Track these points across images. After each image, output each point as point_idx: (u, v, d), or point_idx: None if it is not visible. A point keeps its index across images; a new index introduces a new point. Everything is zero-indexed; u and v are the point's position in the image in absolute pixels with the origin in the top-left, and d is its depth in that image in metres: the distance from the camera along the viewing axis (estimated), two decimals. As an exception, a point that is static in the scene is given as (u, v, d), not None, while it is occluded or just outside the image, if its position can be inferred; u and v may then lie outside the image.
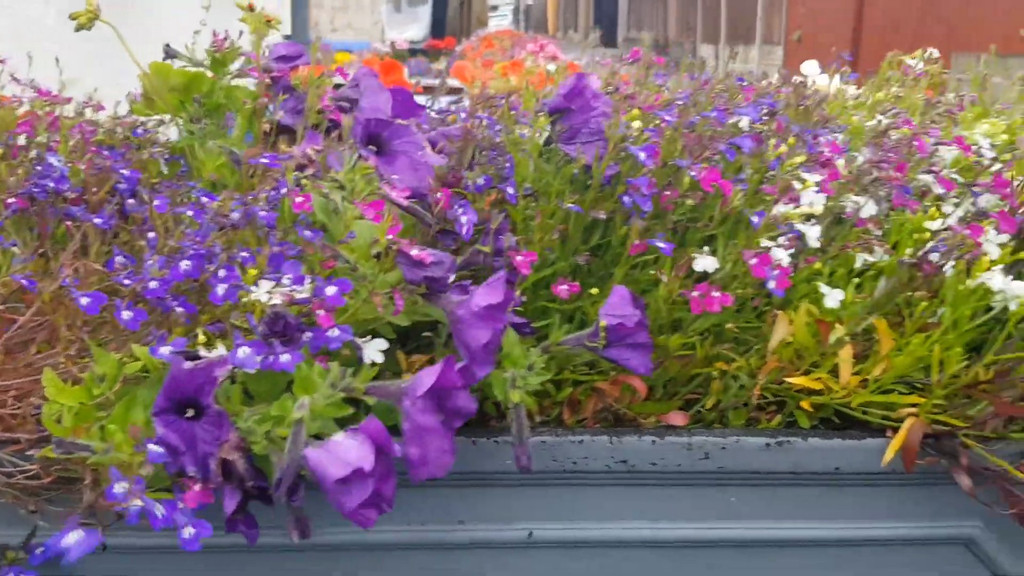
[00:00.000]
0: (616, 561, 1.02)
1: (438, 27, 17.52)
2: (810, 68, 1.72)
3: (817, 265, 1.00)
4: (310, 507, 0.92)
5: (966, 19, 13.10)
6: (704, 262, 1.00)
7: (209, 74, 1.34)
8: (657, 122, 1.07)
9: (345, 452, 0.78)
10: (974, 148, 1.11)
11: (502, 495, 1.00)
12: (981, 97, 1.52)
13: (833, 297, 0.97)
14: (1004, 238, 0.95)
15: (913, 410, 0.97)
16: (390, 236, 0.85)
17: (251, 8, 1.27)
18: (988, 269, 0.91)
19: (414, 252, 0.85)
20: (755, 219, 1.02)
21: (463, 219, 0.94)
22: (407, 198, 0.91)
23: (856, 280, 1.00)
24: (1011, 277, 0.93)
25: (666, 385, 1.06)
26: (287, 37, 6.09)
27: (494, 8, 48.16)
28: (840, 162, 1.07)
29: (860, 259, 1.02)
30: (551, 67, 3.39)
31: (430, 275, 0.88)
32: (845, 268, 1.03)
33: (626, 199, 1.01)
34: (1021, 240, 0.99)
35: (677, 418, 1.01)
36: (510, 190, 1.03)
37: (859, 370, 1.00)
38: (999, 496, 0.99)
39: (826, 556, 1.04)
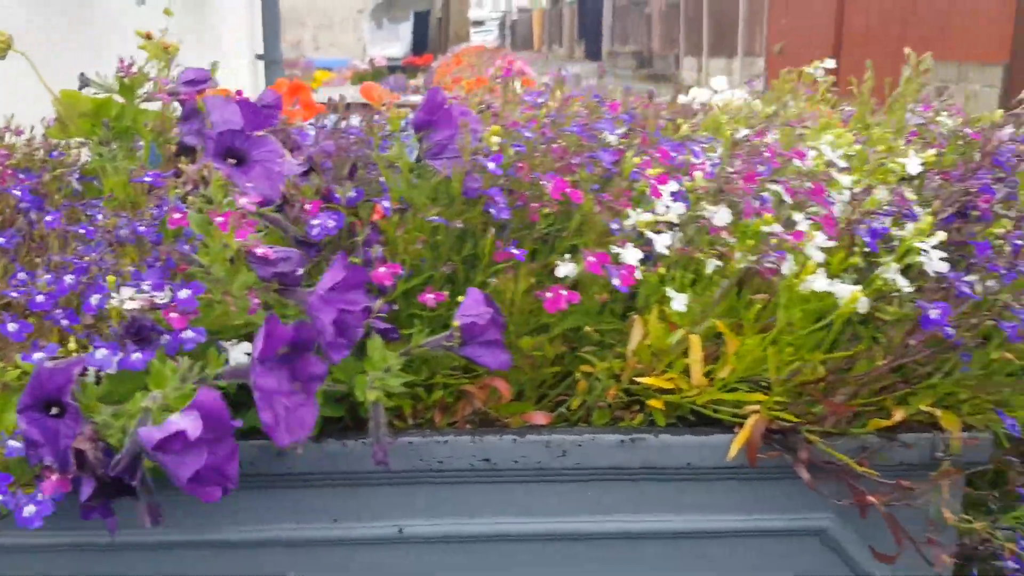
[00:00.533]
0: (482, 555, 1.08)
1: (419, 44, 17.66)
2: (718, 83, 1.78)
3: (662, 270, 1.05)
4: (191, 508, 0.98)
5: (947, 29, 13.24)
6: (565, 268, 1.06)
7: (119, 99, 1.39)
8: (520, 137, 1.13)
9: (173, 423, 0.83)
10: (819, 158, 1.16)
11: (372, 494, 1.05)
12: (862, 108, 1.57)
13: (678, 301, 1.03)
14: (829, 243, 1.01)
15: (757, 407, 1.02)
16: (240, 240, 0.91)
17: (149, 37, 1.33)
18: (812, 272, 0.97)
19: (259, 251, 0.92)
20: (614, 226, 1.08)
21: (315, 223, 1.00)
22: (259, 204, 0.96)
23: (698, 284, 1.06)
24: (850, 281, 0.99)
25: (538, 387, 1.11)
26: (259, 56, 6.15)
27: (479, 24, 48.36)
28: (699, 173, 1.13)
29: (712, 265, 1.07)
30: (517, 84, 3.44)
31: (279, 271, 0.94)
32: (697, 273, 1.08)
33: (492, 210, 1.07)
34: (858, 247, 1.05)
35: (539, 417, 1.07)
36: (385, 204, 1.09)
37: (710, 370, 1.05)
38: (846, 489, 1.05)
39: (684, 548, 1.09)
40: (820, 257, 0.99)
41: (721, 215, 1.09)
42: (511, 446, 1.03)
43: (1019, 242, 1.06)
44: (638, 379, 1.05)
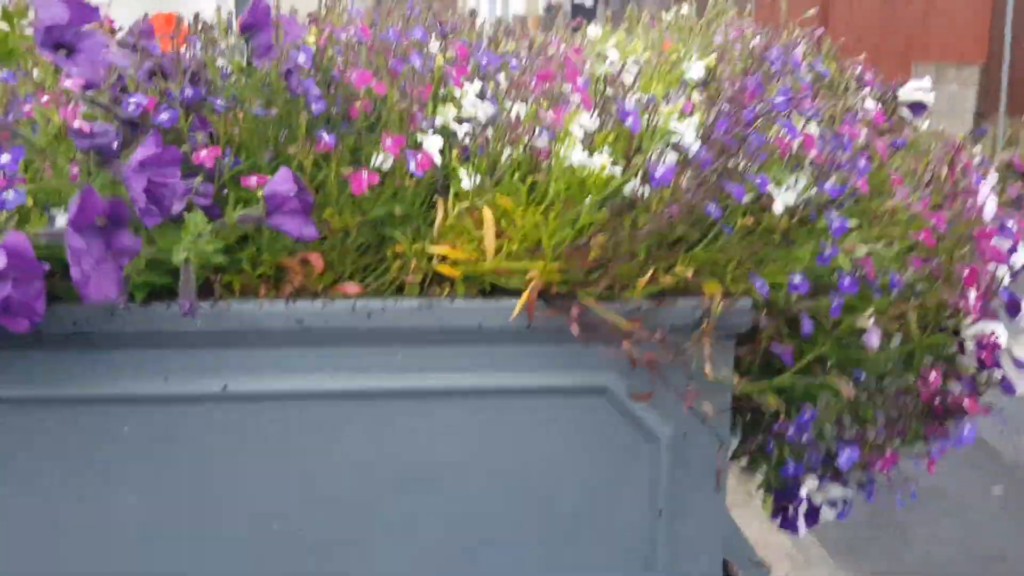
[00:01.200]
0: (299, 410, 1.20)
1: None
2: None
3: (454, 158, 1.18)
4: (32, 366, 1.12)
5: (925, 30, 13.40)
6: (382, 158, 1.18)
7: (3, 26, 1.52)
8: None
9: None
10: (600, 60, 1.29)
11: (200, 354, 1.18)
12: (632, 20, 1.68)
13: (466, 180, 1.15)
14: (593, 123, 1.14)
15: (536, 274, 1.15)
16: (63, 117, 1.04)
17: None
18: (572, 147, 1.10)
19: (76, 124, 1.04)
20: (424, 123, 1.21)
21: (131, 101, 1.12)
22: (84, 87, 1.09)
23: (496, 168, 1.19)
24: (606, 155, 1.11)
25: (355, 265, 1.24)
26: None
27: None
28: (502, 75, 1.26)
29: (506, 153, 1.20)
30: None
31: (96, 143, 1.07)
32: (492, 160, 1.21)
33: (313, 107, 1.20)
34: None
35: (350, 288, 1.19)
36: (217, 101, 1.22)
37: (501, 245, 1.18)
38: (625, 350, 1.17)
39: (479, 404, 1.21)
40: (580, 133, 1.12)
41: (516, 109, 1.22)
42: (320, 310, 1.16)
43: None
44: (433, 248, 1.17)
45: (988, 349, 1.21)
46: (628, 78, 1.26)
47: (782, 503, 1.32)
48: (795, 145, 1.15)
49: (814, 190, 1.13)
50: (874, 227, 1.19)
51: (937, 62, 13.14)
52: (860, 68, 1.51)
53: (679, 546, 1.24)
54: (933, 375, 1.20)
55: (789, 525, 1.31)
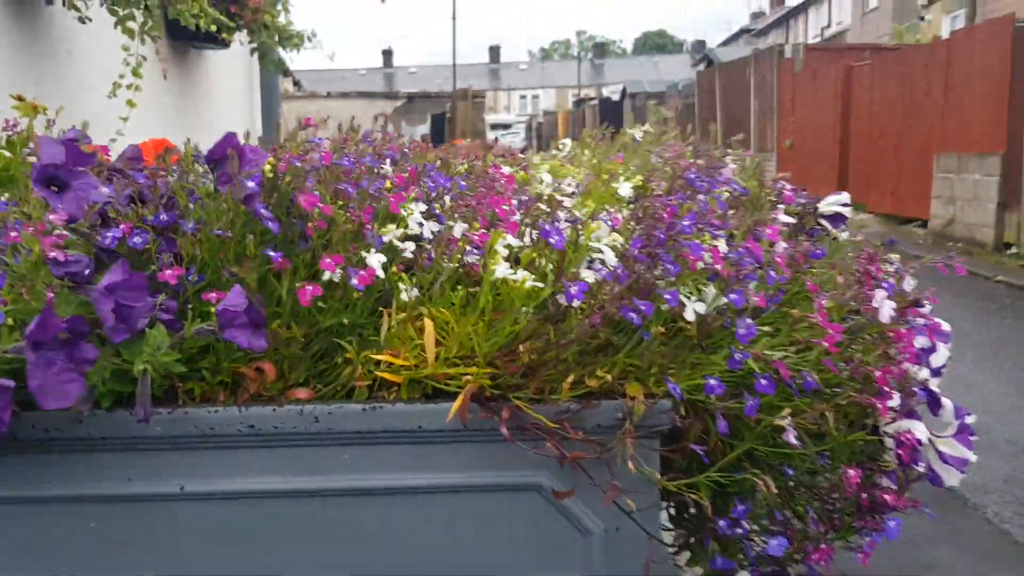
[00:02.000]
0: (252, 509, 1.29)
1: (436, 141, 18.32)
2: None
3: (393, 270, 1.29)
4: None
5: (946, 123, 13.55)
6: (328, 273, 1.29)
7: (7, 153, 1.67)
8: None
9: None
10: (539, 183, 1.40)
11: (160, 457, 1.28)
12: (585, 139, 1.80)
13: (406, 292, 1.26)
14: (517, 242, 1.24)
15: (470, 378, 1.24)
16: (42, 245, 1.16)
17: (20, 99, 1.61)
18: (496, 263, 1.20)
19: (52, 254, 1.16)
20: (372, 239, 1.32)
21: (108, 235, 1.24)
22: (67, 221, 1.21)
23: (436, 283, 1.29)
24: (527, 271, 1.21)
25: (308, 372, 1.33)
26: (259, 139, 6.57)
27: (506, 127, 49.71)
28: (447, 197, 1.37)
29: (445, 267, 1.30)
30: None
31: (70, 271, 1.18)
32: (433, 275, 1.31)
33: (270, 226, 1.31)
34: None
35: (301, 393, 1.29)
36: (189, 225, 1.34)
37: (440, 352, 1.27)
38: (554, 449, 1.25)
39: (421, 502, 1.29)
40: (503, 251, 1.22)
41: (457, 228, 1.33)
42: (271, 414, 1.25)
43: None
44: (375, 355, 1.27)
45: (906, 447, 1.28)
46: (565, 199, 1.37)
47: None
48: (706, 258, 1.24)
49: (723, 300, 1.22)
50: (785, 334, 1.27)
51: (959, 153, 13.24)
52: (780, 185, 1.61)
53: (618, 638, 1.30)
54: (852, 473, 1.27)
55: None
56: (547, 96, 61.03)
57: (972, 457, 1.36)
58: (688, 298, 1.22)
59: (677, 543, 1.37)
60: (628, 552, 1.28)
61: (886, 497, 1.28)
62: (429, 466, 1.28)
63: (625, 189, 1.39)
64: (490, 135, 49.44)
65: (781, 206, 1.56)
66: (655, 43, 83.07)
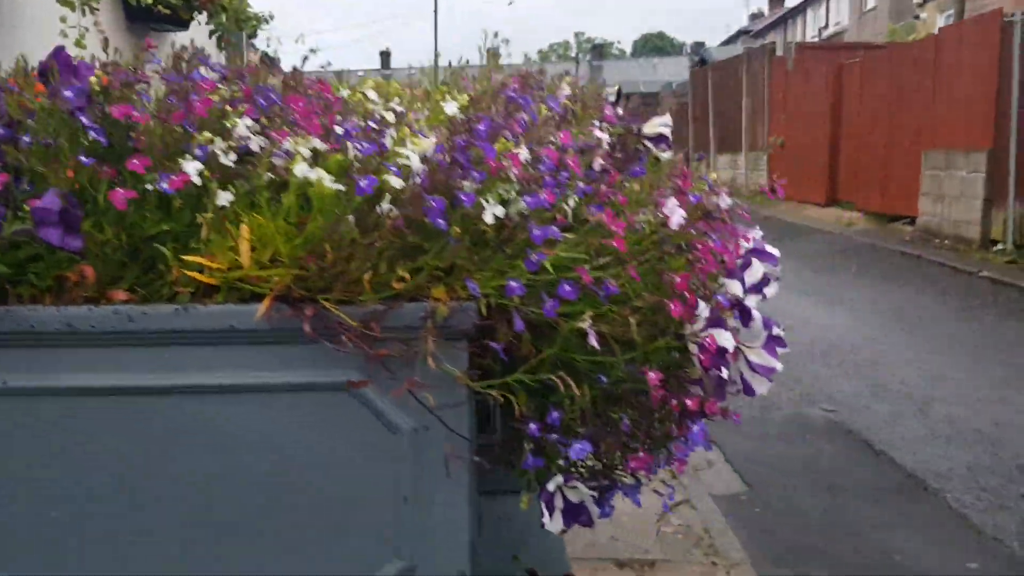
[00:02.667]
0: (72, 404, 1.33)
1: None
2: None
3: (207, 175, 1.33)
4: None
5: (933, 118, 13.57)
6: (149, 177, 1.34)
7: None
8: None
9: None
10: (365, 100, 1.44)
11: (-16, 353, 1.32)
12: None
13: (223, 198, 1.30)
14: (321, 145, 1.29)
15: (278, 280, 1.28)
16: None
17: None
18: (297, 164, 1.24)
19: None
20: (196, 150, 1.36)
21: None
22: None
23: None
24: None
25: (129, 274, 1.37)
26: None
27: (505, 128, 49.64)
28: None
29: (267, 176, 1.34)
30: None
31: None
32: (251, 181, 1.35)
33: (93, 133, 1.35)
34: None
35: (120, 295, 1.33)
36: (25, 137, 1.38)
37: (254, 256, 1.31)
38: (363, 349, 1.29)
39: (237, 400, 1.33)
40: (307, 154, 1.26)
41: (255, 142, 1.36)
42: (87, 314, 1.30)
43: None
44: (185, 256, 1.31)
45: (708, 352, 1.31)
46: (387, 113, 1.41)
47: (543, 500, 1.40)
48: (507, 166, 1.28)
49: (522, 204, 1.26)
50: (581, 235, 1.30)
51: (946, 149, 13.27)
52: (607, 107, 1.65)
53: (425, 533, 1.33)
54: (652, 375, 1.30)
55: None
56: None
57: (779, 366, 1.40)
58: (487, 202, 1.26)
59: (489, 443, 1.40)
60: (435, 449, 1.32)
61: (687, 402, 1.32)
62: (242, 366, 1.32)
63: (451, 108, 1.44)
64: (488, 135, 49.50)
65: (599, 123, 1.59)
66: (655, 45, 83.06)
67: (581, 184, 1.30)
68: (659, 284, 1.31)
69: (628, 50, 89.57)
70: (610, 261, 1.29)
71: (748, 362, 1.38)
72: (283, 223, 1.27)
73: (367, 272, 1.26)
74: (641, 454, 1.36)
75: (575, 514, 1.40)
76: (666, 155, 1.60)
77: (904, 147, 14.30)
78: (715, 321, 1.33)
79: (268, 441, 1.33)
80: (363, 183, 1.22)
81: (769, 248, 1.52)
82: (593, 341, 1.26)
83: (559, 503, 1.38)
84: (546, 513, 1.35)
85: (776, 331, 1.40)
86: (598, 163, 1.35)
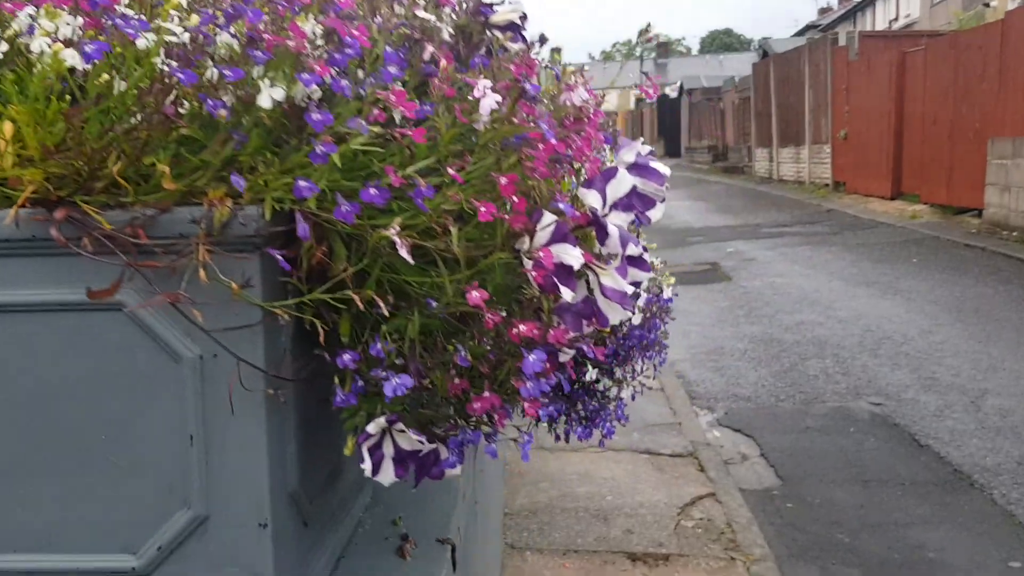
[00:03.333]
0: None
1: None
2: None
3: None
4: None
5: (1000, 106, 13.04)
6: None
7: None
8: None
9: None
10: None
11: None
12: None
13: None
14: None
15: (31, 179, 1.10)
16: None
17: None
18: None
19: None
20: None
21: None
22: None
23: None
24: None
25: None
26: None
27: (568, 128, 49.24)
28: None
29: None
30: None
31: None
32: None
33: None
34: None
35: None
36: None
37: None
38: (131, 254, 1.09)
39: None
40: (51, 28, 1.08)
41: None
42: None
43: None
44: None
45: (542, 269, 1.09)
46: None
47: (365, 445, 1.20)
48: (291, 44, 1.07)
49: (301, 85, 1.05)
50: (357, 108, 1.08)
51: (1014, 137, 12.72)
52: None
53: (218, 480, 1.13)
54: (475, 294, 1.08)
55: (377, 471, 1.19)
56: (609, 97, 60.51)
57: (629, 289, 1.17)
58: (266, 83, 1.06)
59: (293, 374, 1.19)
60: (225, 379, 1.12)
61: (522, 327, 1.10)
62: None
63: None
64: (551, 135, 49.16)
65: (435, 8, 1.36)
66: (722, 42, 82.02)
67: (392, 70, 1.09)
68: (495, 191, 1.09)
69: (696, 48, 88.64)
70: (434, 163, 1.08)
71: (602, 288, 1.16)
72: (30, 109, 1.08)
73: (118, 164, 1.06)
74: (486, 394, 1.15)
75: (422, 466, 1.19)
76: (517, 46, 1.38)
77: (969, 137, 13.75)
78: (561, 236, 1.11)
79: (31, 368, 1.14)
80: (90, 48, 1.03)
81: (656, 165, 1.29)
82: (404, 253, 1.05)
83: (389, 450, 1.18)
84: (367, 460, 1.15)
85: (634, 251, 1.17)
86: (428, 52, 1.14)
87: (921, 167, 15.24)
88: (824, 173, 19.44)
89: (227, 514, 1.13)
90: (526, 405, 1.16)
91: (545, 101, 1.22)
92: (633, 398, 2.03)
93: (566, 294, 1.09)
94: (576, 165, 1.19)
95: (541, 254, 1.07)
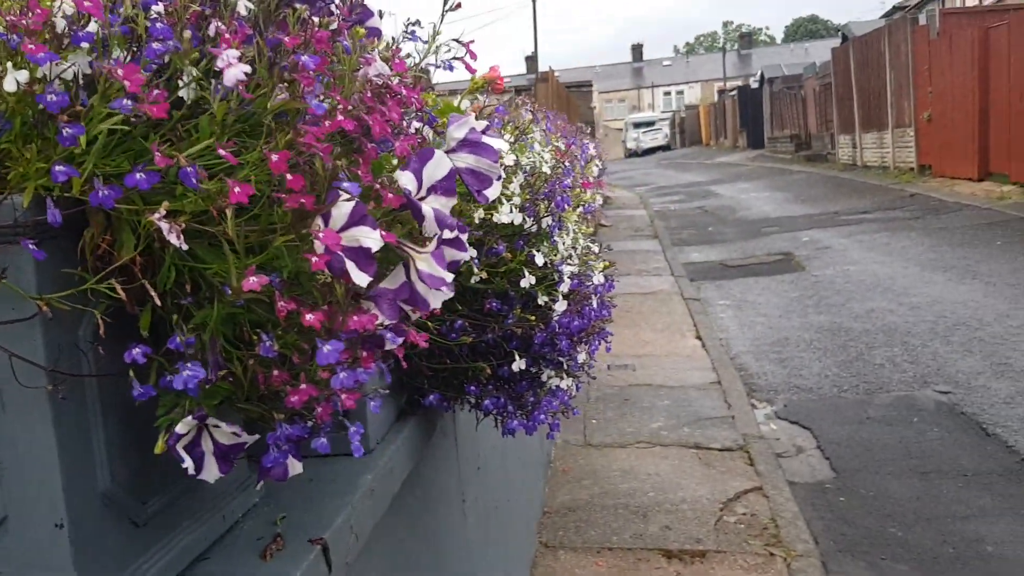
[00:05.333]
0: None
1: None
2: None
3: None
4: None
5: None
6: None
7: None
8: None
9: None
10: None
11: None
12: None
13: None
14: None
15: None
16: None
17: None
18: None
19: None
20: None
21: None
22: None
23: None
24: None
25: None
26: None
27: (650, 124, 48.98)
28: None
29: None
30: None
31: None
32: None
33: None
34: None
35: None
36: None
37: None
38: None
39: None
40: None
41: None
42: None
43: None
44: None
45: (325, 253, 1.00)
46: None
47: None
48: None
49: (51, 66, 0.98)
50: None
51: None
52: None
53: (11, 478, 1.07)
54: (251, 281, 1.00)
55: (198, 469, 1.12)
56: (692, 91, 59.82)
57: (447, 276, 1.08)
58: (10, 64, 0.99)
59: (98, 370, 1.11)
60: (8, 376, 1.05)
61: (309, 316, 1.02)
62: None
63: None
64: (631, 134, 49.00)
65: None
66: (807, 29, 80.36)
67: (157, 46, 1.01)
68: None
69: (780, 36, 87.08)
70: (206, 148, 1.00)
71: (419, 274, 1.07)
72: None
73: None
74: (303, 386, 1.07)
75: (266, 466, 1.12)
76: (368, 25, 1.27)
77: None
78: (359, 218, 1.03)
79: None
80: None
81: (490, 141, 1.19)
82: (173, 239, 0.98)
83: (208, 446, 1.11)
84: (187, 459, 1.08)
85: (451, 234, 1.08)
86: (213, 27, 1.06)
87: (1009, 146, 14.63)
88: (909, 157, 18.82)
89: (24, 515, 1.07)
90: (343, 397, 1.08)
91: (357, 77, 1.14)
92: (578, 388, 1.94)
93: (358, 278, 1.01)
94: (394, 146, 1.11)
95: (322, 235, 0.99)
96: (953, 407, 5.78)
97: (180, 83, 1.05)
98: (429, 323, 1.69)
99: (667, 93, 63.44)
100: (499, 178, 1.18)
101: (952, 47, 16.67)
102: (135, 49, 1.02)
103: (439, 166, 1.08)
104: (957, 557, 4.04)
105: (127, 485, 1.16)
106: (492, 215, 1.68)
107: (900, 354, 6.97)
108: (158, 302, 1.02)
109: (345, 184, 1.00)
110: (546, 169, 1.75)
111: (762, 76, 32.13)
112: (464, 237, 1.10)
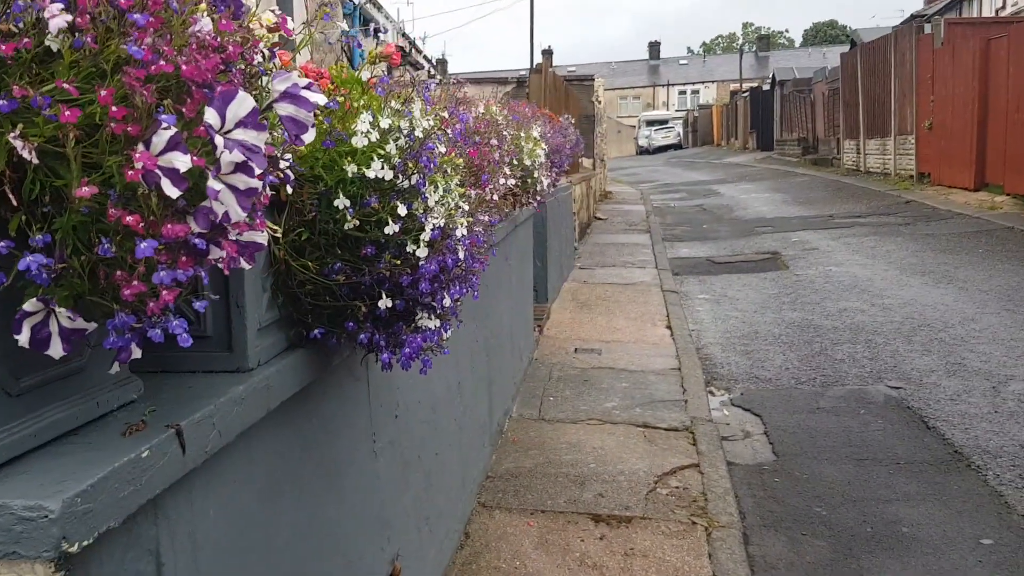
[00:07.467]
0: None
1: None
2: None
3: None
4: None
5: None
6: None
7: None
8: None
9: None
10: None
11: None
12: None
13: None
14: None
15: None
16: None
17: None
18: None
19: None
20: None
21: None
22: None
23: None
24: None
25: None
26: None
27: (663, 123, 49.16)
28: None
29: None
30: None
31: None
32: None
33: None
34: None
35: None
36: None
37: None
38: None
39: None
40: None
41: None
42: None
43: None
44: None
45: (139, 170, 1.23)
46: None
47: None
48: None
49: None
50: None
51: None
52: None
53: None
54: (85, 190, 1.23)
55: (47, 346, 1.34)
56: (708, 91, 59.87)
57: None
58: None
59: None
60: None
61: (128, 218, 1.24)
62: None
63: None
64: (644, 132, 49.10)
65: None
66: (826, 34, 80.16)
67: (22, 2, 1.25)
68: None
69: (799, 40, 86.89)
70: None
71: (208, 188, 1.30)
72: None
73: None
74: (135, 282, 1.30)
75: (107, 347, 1.34)
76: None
77: (1059, 123, 13.30)
78: (173, 144, 1.26)
79: None
80: None
81: (308, 95, 1.42)
82: (26, 154, 1.21)
83: (54, 327, 1.34)
84: (24, 333, 1.31)
85: (238, 157, 1.30)
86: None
87: (1005, 157, 14.77)
88: (909, 164, 18.95)
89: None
90: (164, 293, 1.31)
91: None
92: (446, 329, 2.17)
93: (170, 191, 1.24)
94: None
95: (138, 155, 1.22)
96: (901, 401, 5.98)
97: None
98: (311, 263, 1.94)
99: (683, 92, 63.46)
100: (312, 126, 1.42)
101: (955, 57, 16.80)
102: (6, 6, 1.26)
103: (242, 105, 1.31)
104: (873, 535, 4.25)
105: (1, 361, 1.39)
106: (363, 171, 1.92)
107: (862, 351, 7.16)
108: (15, 203, 1.25)
109: (163, 117, 1.24)
110: (419, 134, 1.99)
111: (773, 78, 32.21)
112: (262, 169, 1.33)
